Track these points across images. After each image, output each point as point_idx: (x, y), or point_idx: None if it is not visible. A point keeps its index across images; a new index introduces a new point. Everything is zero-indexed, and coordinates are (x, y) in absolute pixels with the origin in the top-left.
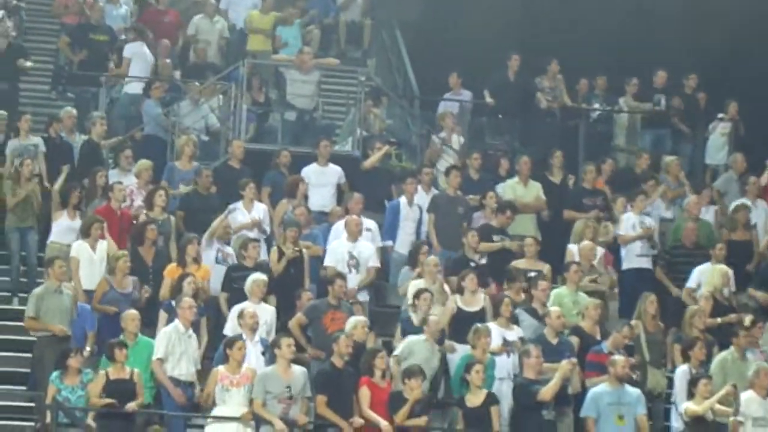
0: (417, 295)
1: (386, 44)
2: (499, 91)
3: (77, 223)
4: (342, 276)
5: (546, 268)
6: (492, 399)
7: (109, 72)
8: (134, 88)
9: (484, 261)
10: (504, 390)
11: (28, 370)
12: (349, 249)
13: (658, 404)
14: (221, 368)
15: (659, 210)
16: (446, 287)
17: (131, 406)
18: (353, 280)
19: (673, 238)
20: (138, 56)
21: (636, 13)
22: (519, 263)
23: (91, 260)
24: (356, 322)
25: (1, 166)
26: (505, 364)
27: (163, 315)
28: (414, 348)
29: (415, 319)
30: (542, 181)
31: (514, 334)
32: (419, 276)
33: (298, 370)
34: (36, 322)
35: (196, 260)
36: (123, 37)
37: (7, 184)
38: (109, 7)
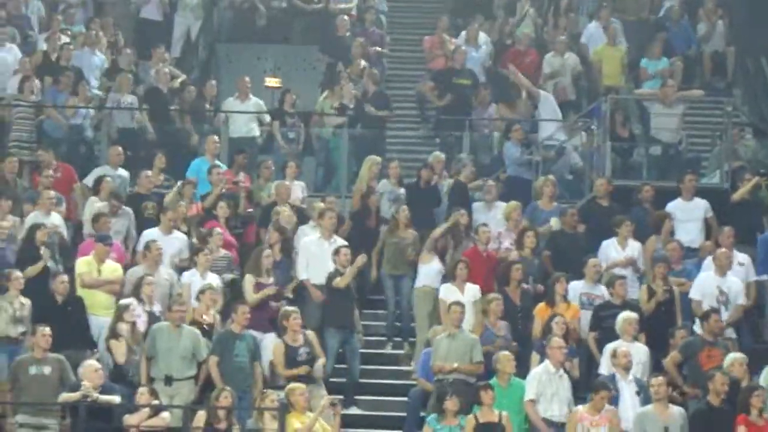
0: None
1: (752, 73)
2: None
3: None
4: (716, 311)
5: None
6: None
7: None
8: None
9: None
10: None
11: (403, 414)
12: (719, 284)
13: None
14: (581, 408)
15: None
16: None
17: None
18: (723, 316)
19: None
20: None
21: None
22: None
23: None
24: (734, 359)
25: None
26: None
27: (534, 355)
28: None
29: None
30: None
31: None
32: None
33: (676, 410)
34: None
35: (566, 299)
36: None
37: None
38: (469, 50)
